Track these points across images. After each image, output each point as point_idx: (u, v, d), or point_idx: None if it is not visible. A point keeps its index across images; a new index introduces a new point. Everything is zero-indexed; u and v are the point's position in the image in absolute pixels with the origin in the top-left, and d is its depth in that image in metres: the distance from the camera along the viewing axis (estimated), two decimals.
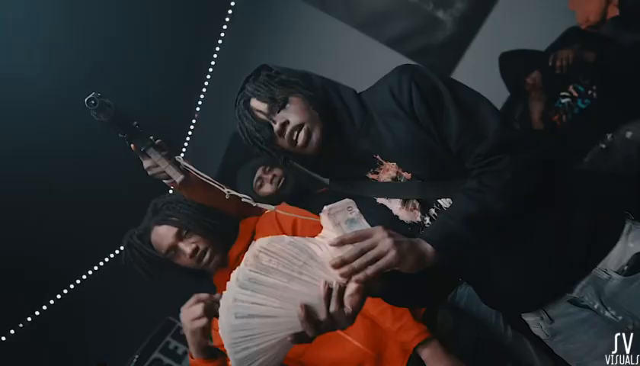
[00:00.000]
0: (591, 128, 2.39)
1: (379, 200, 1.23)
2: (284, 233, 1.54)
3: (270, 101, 1.17)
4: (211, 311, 1.39)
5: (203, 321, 1.35)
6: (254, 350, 0.94)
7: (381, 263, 0.96)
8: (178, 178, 1.28)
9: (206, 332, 1.39)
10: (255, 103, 1.19)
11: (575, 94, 2.47)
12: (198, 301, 1.37)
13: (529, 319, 1.25)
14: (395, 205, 1.21)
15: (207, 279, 1.66)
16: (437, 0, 3.16)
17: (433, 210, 1.18)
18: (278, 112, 1.17)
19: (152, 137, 1.26)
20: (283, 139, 1.18)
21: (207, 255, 1.55)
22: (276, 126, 1.17)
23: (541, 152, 1.09)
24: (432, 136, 1.12)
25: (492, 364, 1.67)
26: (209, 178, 1.26)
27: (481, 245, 1.06)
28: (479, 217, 1.03)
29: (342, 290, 0.96)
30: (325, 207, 1.03)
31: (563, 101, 2.47)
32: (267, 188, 2.36)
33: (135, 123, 1.22)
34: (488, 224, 1.05)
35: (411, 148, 1.14)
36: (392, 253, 0.96)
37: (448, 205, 1.15)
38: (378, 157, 1.19)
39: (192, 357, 1.44)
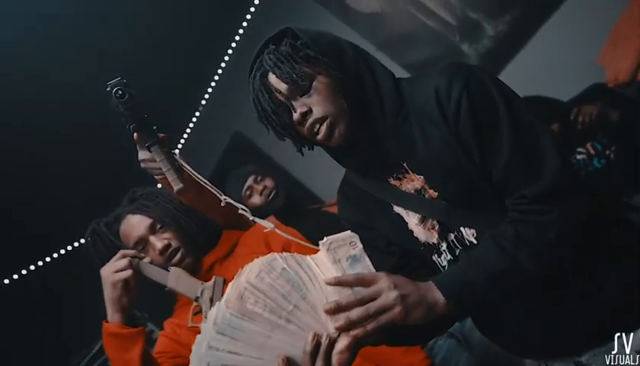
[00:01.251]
0: (604, 189, 2.28)
1: (396, 209, 1.08)
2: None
3: (292, 83, 0.98)
4: (137, 267, 1.30)
5: (127, 273, 1.25)
6: None
7: (383, 319, 0.84)
8: (177, 185, 1.17)
9: (129, 287, 1.28)
10: (274, 80, 1.00)
11: (592, 151, 2.36)
12: (123, 256, 1.29)
13: (528, 360, 1.17)
14: (412, 219, 1.06)
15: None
16: (464, 33, 3.06)
17: (452, 236, 1.04)
18: (300, 96, 0.99)
19: (155, 127, 1.17)
20: (302, 128, 1.02)
21: (178, 255, 1.42)
22: (295, 115, 1.00)
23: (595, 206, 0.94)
24: (472, 157, 0.95)
25: None
26: (206, 181, 1.17)
27: (501, 300, 0.94)
28: (505, 274, 0.90)
29: (331, 344, 0.84)
30: (325, 239, 0.91)
31: (578, 157, 2.37)
32: (256, 199, 2.27)
33: (145, 114, 1.15)
34: (514, 282, 0.91)
35: (444, 164, 0.98)
36: (397, 309, 0.84)
37: (471, 236, 1.01)
38: (405, 165, 1.03)
39: (106, 322, 1.29)
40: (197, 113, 3.90)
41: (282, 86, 1.00)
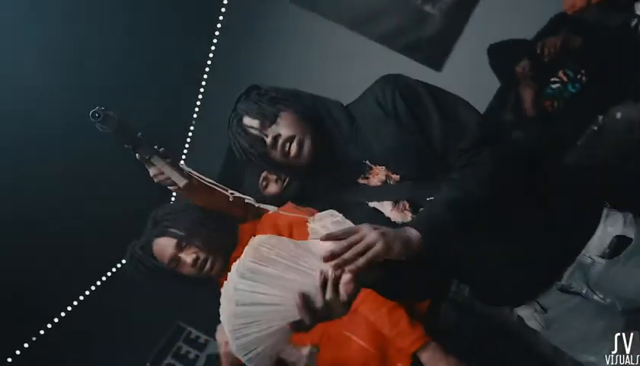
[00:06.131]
0: (583, 111, 2.44)
1: (372, 205, 1.27)
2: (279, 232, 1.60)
3: (261, 117, 1.22)
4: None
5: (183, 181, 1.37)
6: (254, 336, 0.97)
7: (370, 254, 0.99)
8: (182, 182, 1.34)
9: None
10: (247, 120, 1.24)
11: (565, 79, 2.51)
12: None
13: (524, 312, 1.31)
14: (386, 208, 1.25)
15: (211, 284, 1.69)
16: None
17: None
18: (269, 127, 1.22)
19: (155, 147, 1.33)
20: (275, 152, 1.23)
21: (208, 264, 1.63)
22: (268, 140, 1.22)
23: (520, 145, 1.21)
24: (417, 137, 1.18)
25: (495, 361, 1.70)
26: (212, 181, 1.28)
27: (466, 230, 1.10)
28: (461, 202, 1.08)
29: (337, 278, 0.99)
30: (315, 214, 1.11)
31: (554, 86, 2.51)
32: (273, 188, 2.31)
33: (139, 134, 1.27)
34: (470, 209, 1.09)
35: (398, 149, 1.20)
36: (380, 244, 1.00)
37: None
38: (367, 162, 1.25)
39: None
40: (191, 127, 3.97)
41: (254, 122, 1.23)
